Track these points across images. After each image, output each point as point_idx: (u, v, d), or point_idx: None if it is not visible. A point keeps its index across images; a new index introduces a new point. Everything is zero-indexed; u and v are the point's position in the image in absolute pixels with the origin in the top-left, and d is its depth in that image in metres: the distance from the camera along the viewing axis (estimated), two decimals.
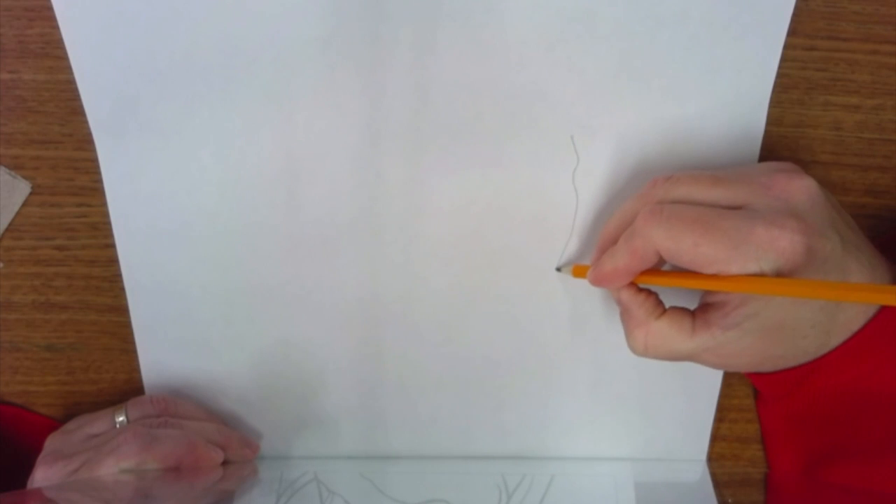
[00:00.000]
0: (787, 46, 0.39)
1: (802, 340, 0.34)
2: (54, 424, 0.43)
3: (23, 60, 0.39)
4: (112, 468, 0.37)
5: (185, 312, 0.42)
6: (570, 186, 0.40)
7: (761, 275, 0.32)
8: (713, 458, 0.44)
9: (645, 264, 0.35)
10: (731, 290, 0.33)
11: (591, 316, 0.42)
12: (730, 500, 0.43)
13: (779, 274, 0.32)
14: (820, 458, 0.40)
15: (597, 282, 0.37)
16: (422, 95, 0.39)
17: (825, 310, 0.34)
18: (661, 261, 0.35)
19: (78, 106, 0.39)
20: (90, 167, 0.40)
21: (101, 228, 0.41)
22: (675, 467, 0.43)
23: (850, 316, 0.34)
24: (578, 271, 0.39)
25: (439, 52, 0.38)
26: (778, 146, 0.40)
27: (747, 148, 0.39)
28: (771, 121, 0.39)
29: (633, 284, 0.36)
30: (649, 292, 0.36)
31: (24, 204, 0.41)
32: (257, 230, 0.41)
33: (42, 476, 0.38)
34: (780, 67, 0.39)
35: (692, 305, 0.36)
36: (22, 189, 0.41)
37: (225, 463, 0.40)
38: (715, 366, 0.36)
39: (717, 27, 0.38)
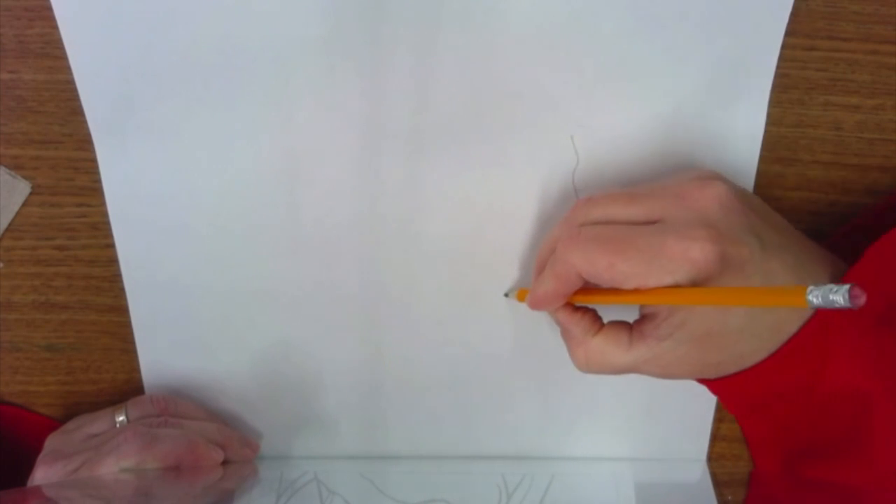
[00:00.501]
0: (787, 46, 0.39)
1: (735, 346, 0.34)
2: (54, 424, 0.43)
3: (23, 60, 0.39)
4: (112, 467, 0.37)
5: (185, 312, 0.42)
6: (570, 186, 0.40)
7: (675, 286, 0.32)
8: (713, 458, 0.44)
9: (571, 287, 0.35)
10: (649, 302, 0.34)
11: None
12: (730, 498, 0.43)
13: (694, 284, 0.32)
14: (796, 455, 0.41)
15: (533, 306, 0.37)
16: (422, 96, 0.39)
17: (749, 314, 0.34)
18: (584, 283, 0.35)
19: (78, 106, 0.39)
20: (90, 167, 0.40)
21: (101, 228, 0.41)
22: (675, 467, 0.43)
23: (780, 318, 0.34)
24: (522, 296, 0.40)
25: (439, 53, 0.38)
26: (778, 146, 0.40)
27: (747, 148, 0.40)
28: (771, 121, 0.39)
29: (568, 304, 0.37)
30: (586, 310, 0.37)
31: (24, 204, 0.41)
32: (257, 230, 0.41)
33: (42, 476, 0.38)
34: (780, 67, 0.39)
35: (634, 317, 0.36)
36: (22, 189, 0.41)
37: (225, 463, 0.40)
38: (658, 375, 0.36)
39: (715, 27, 0.38)
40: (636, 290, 0.33)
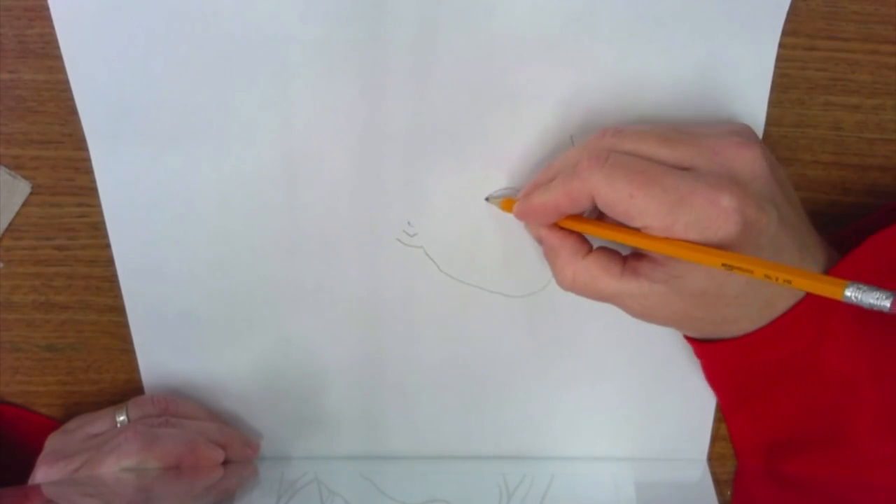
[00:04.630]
0: (787, 46, 0.39)
1: (725, 308, 0.34)
2: (54, 424, 0.43)
3: (23, 60, 0.39)
4: (113, 467, 0.37)
5: (185, 313, 0.42)
6: None
7: (685, 239, 0.32)
8: (713, 458, 0.44)
9: (574, 207, 0.35)
10: (650, 249, 0.33)
11: (591, 316, 0.42)
12: (729, 493, 0.43)
13: (707, 240, 0.32)
14: (778, 449, 0.41)
15: (522, 215, 0.37)
16: (421, 96, 0.39)
17: (750, 284, 0.33)
18: (588, 209, 0.35)
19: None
20: (90, 167, 0.40)
21: (101, 228, 0.41)
22: (676, 467, 0.43)
23: (774, 293, 0.34)
24: (507, 205, 0.39)
25: (439, 53, 0.38)
26: (778, 146, 0.40)
27: None
28: (771, 121, 0.39)
29: (555, 225, 0.36)
30: (572, 231, 0.36)
31: (24, 204, 0.41)
32: (257, 230, 0.41)
33: (43, 475, 0.38)
34: (780, 67, 0.39)
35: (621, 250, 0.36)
36: (22, 189, 0.41)
37: (225, 463, 0.40)
38: (635, 314, 0.36)
39: (714, 26, 0.38)
40: (637, 232, 0.33)
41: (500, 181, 0.40)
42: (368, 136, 0.39)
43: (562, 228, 0.36)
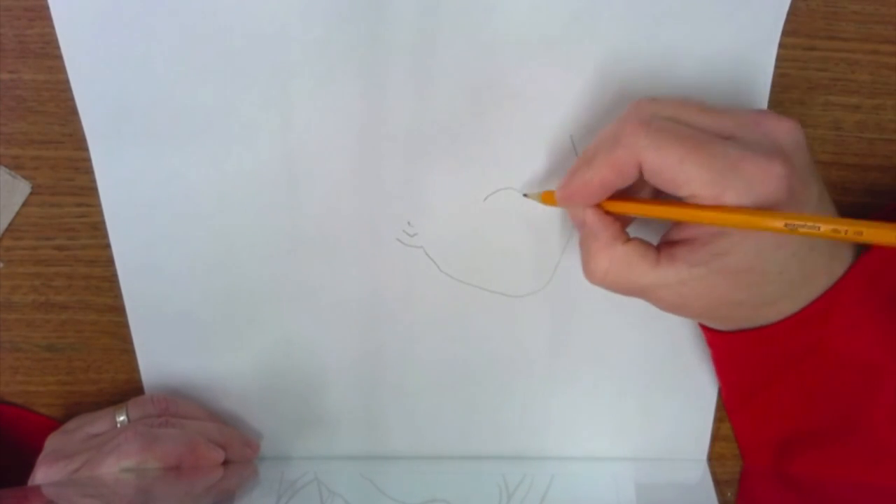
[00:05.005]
0: (787, 46, 0.39)
1: (768, 286, 0.33)
2: (54, 424, 0.43)
3: (23, 60, 0.39)
4: (113, 467, 0.37)
5: (185, 312, 0.42)
6: None
7: (738, 207, 0.31)
8: (714, 458, 0.44)
9: (622, 180, 0.33)
10: (701, 221, 0.32)
11: (591, 316, 0.42)
12: (729, 495, 0.43)
13: (758, 208, 0.31)
14: (786, 446, 0.41)
15: (567, 197, 0.35)
16: (421, 96, 0.39)
17: (797, 256, 0.33)
18: (634, 183, 0.34)
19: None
20: (90, 167, 0.40)
21: (101, 228, 0.41)
22: (676, 467, 0.43)
23: (817, 267, 0.34)
24: (548, 197, 0.37)
25: (439, 53, 0.38)
26: None
27: None
28: None
29: (599, 206, 0.35)
30: (615, 217, 0.35)
31: (24, 204, 0.41)
32: (257, 230, 0.41)
33: (43, 476, 0.38)
34: (780, 67, 0.39)
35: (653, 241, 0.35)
36: (22, 189, 0.41)
37: (225, 463, 0.40)
38: (670, 305, 0.35)
39: (714, 26, 0.38)
40: (691, 205, 0.31)
41: (500, 181, 0.40)
42: (368, 136, 0.39)
43: (606, 212, 0.35)
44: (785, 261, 0.33)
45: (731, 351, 0.39)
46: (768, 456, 0.42)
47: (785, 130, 0.33)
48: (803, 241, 0.33)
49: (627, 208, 0.35)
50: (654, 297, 0.35)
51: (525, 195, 0.40)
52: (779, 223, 0.30)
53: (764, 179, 0.31)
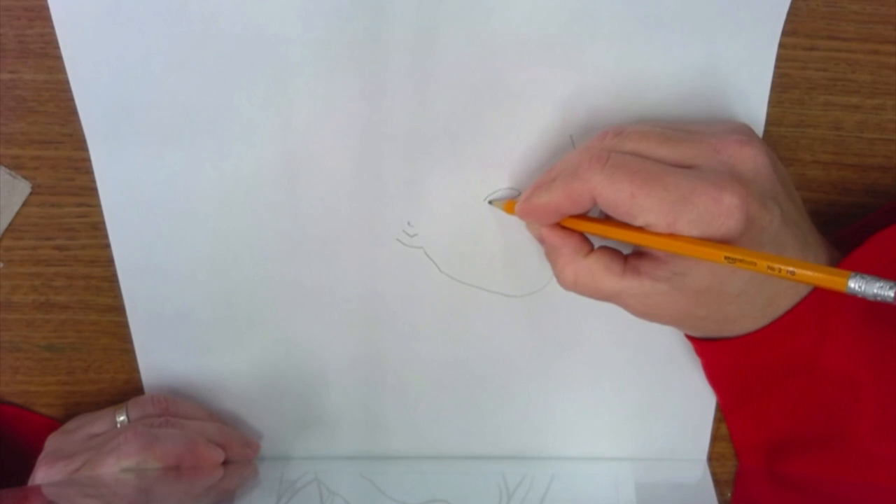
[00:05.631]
0: (787, 46, 0.39)
1: (727, 306, 0.34)
2: (54, 424, 0.43)
3: (23, 60, 0.39)
4: (113, 467, 0.37)
5: (185, 312, 0.42)
6: None
7: (688, 236, 0.32)
8: (714, 458, 0.44)
9: (576, 208, 0.35)
10: (652, 246, 0.33)
11: (590, 316, 0.42)
12: (730, 493, 0.43)
13: (711, 238, 0.32)
14: (778, 449, 0.41)
15: (523, 214, 0.37)
16: (421, 96, 0.39)
17: (753, 281, 0.33)
18: (588, 210, 0.35)
19: None
20: (90, 167, 0.40)
21: (101, 228, 0.41)
22: (676, 467, 0.43)
23: (777, 291, 0.35)
24: (510, 207, 0.39)
25: (439, 53, 0.38)
26: (778, 146, 0.40)
27: None
28: (771, 121, 0.39)
29: (557, 224, 0.36)
30: (574, 231, 0.36)
31: (24, 204, 0.41)
32: (257, 230, 0.41)
33: (43, 476, 0.38)
34: (780, 67, 0.39)
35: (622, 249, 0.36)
36: (22, 189, 0.41)
37: (225, 463, 0.40)
38: (637, 313, 0.36)
39: (714, 26, 0.38)
40: (638, 230, 0.33)
41: (500, 181, 0.40)
42: (368, 136, 0.39)
43: (563, 228, 0.36)
44: (742, 284, 0.34)
45: (715, 357, 0.39)
46: (761, 458, 0.42)
47: (746, 157, 0.33)
48: None
49: (583, 226, 0.36)
50: (622, 303, 0.36)
51: (490, 202, 0.40)
52: (718, 255, 0.31)
53: (714, 210, 0.31)
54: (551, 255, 0.37)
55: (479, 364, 0.43)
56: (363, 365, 0.43)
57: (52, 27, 0.38)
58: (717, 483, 0.43)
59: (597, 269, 0.35)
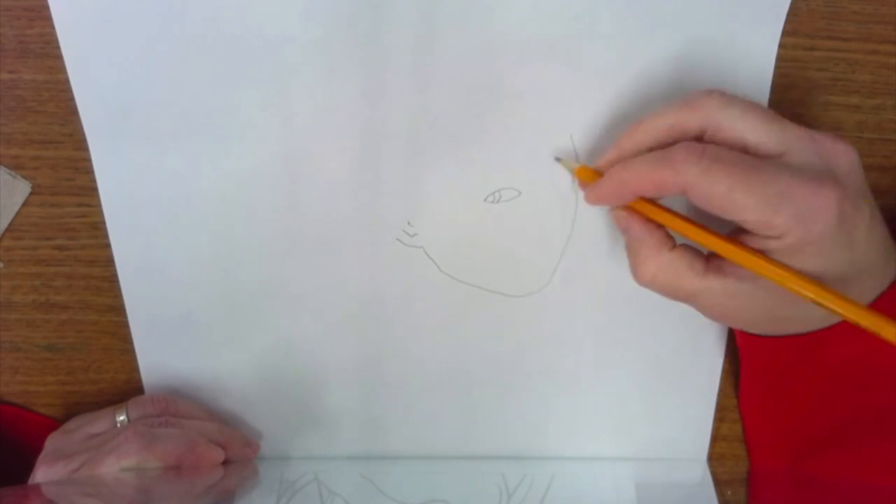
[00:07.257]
0: (787, 46, 0.39)
1: (814, 307, 0.33)
2: (54, 424, 0.43)
3: (23, 60, 0.39)
4: (113, 467, 0.37)
5: (185, 312, 0.42)
6: (570, 186, 0.40)
7: (785, 231, 0.31)
8: (714, 458, 0.44)
9: (658, 195, 0.34)
10: (737, 261, 0.33)
11: (591, 316, 0.42)
12: (730, 493, 0.43)
13: (807, 232, 0.31)
14: (808, 449, 0.40)
15: (600, 193, 0.36)
16: (421, 96, 0.39)
17: (842, 280, 0.33)
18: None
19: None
20: (90, 167, 0.40)
21: (101, 228, 0.41)
22: (676, 467, 0.43)
23: (865, 288, 0.34)
24: (583, 173, 0.38)
25: (439, 53, 0.38)
26: None
27: None
28: None
29: (641, 215, 0.36)
30: (659, 224, 0.36)
31: (24, 204, 0.41)
32: (257, 230, 0.41)
33: (43, 475, 0.38)
34: (780, 67, 0.39)
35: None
36: (22, 189, 0.41)
37: (225, 463, 0.40)
38: (715, 314, 0.35)
39: (714, 26, 0.38)
40: (729, 239, 0.33)
41: (500, 181, 0.40)
42: (368, 136, 0.39)
43: (649, 220, 0.35)
44: (833, 282, 0.33)
45: (762, 352, 0.39)
46: (783, 455, 0.42)
47: (840, 152, 0.33)
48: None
49: (664, 219, 0.35)
50: (699, 304, 0.35)
51: (557, 159, 0.39)
52: (808, 293, 0.32)
53: (813, 205, 0.31)
54: (633, 246, 0.36)
55: (479, 364, 0.43)
56: (363, 365, 0.43)
57: (52, 27, 0.38)
58: (717, 483, 0.43)
59: (681, 266, 0.34)
